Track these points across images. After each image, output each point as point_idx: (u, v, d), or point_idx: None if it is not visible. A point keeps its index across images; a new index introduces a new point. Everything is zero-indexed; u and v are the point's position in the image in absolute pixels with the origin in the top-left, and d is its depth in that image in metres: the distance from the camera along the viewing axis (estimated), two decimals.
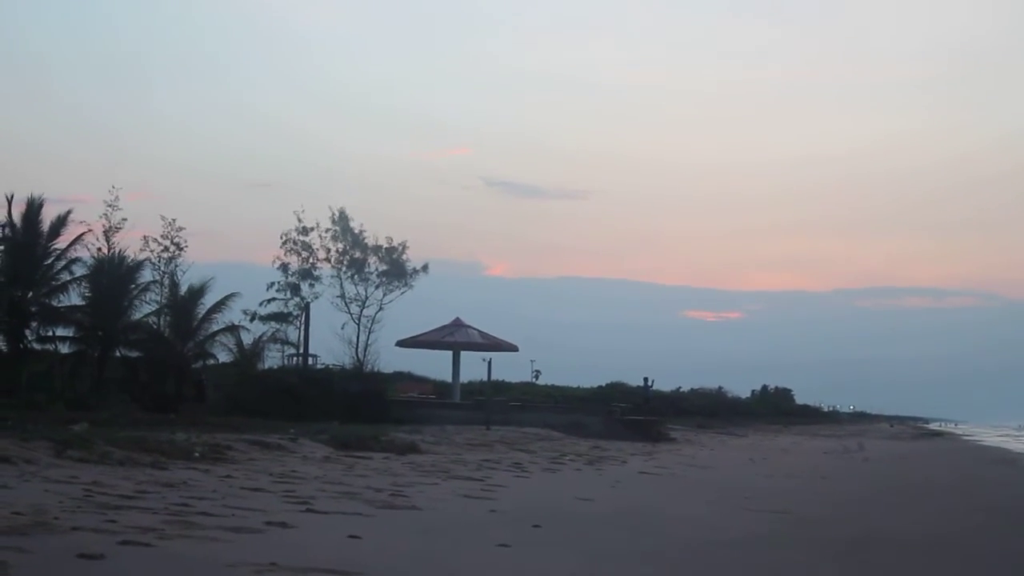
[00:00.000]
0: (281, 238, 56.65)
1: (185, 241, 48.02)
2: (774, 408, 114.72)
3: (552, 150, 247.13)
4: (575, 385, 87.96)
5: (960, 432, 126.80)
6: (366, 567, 10.67)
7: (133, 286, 44.05)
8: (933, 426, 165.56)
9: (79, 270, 42.39)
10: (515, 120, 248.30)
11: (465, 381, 60.52)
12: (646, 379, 66.10)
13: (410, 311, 59.94)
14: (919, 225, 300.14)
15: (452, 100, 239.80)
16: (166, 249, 47.41)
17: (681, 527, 15.95)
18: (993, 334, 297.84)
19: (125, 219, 44.69)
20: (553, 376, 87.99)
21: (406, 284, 58.47)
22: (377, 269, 58.00)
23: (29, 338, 41.53)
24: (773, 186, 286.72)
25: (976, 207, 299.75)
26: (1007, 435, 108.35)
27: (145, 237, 46.88)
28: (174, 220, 48.10)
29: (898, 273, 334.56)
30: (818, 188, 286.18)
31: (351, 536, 12.85)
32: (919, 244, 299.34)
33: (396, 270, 58.12)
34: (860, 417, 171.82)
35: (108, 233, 43.90)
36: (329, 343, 56.07)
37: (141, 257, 45.47)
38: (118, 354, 43.95)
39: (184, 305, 45.75)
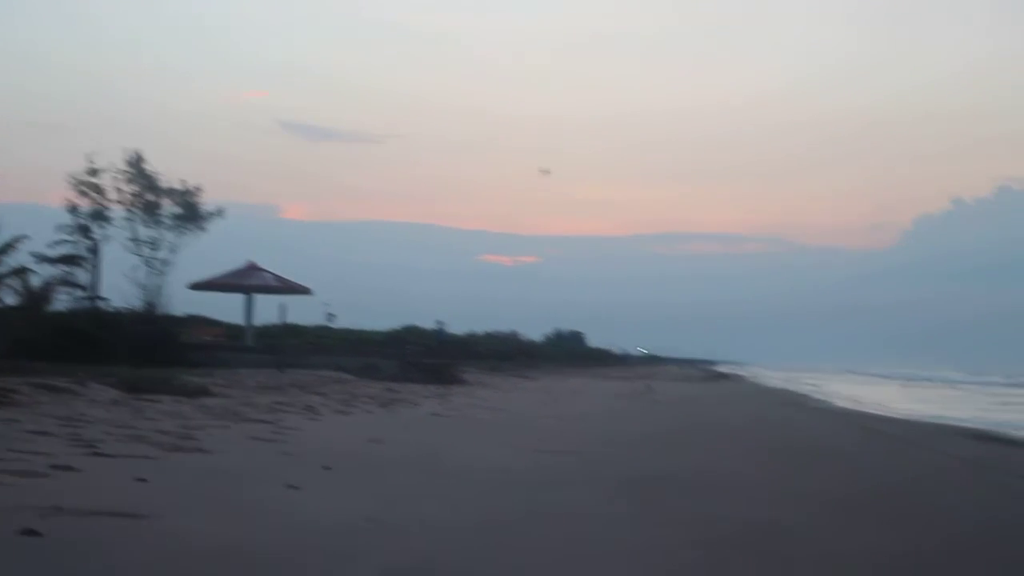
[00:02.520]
0: (71, 179, 55.38)
1: None
2: (567, 351, 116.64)
3: (350, 95, 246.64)
4: (371, 328, 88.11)
5: (746, 374, 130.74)
6: (151, 509, 10.66)
7: None
8: (721, 368, 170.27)
9: None
10: (313, 64, 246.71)
11: (259, 324, 60.17)
12: (439, 322, 66.55)
13: (205, 254, 59.27)
14: (712, 171, 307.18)
15: (250, 42, 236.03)
16: None
17: (472, 468, 16.22)
18: (777, 278, 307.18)
19: None
20: (349, 319, 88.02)
21: (200, 227, 57.83)
22: (171, 212, 57.18)
23: None
24: (577, 134, 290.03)
25: (765, 154, 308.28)
26: (790, 377, 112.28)
27: None
28: None
29: (691, 218, 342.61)
30: (620, 137, 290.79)
31: (138, 479, 12.80)
32: (711, 190, 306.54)
33: (190, 213, 57.35)
34: (651, 360, 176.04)
35: None
36: (120, 286, 54.81)
37: None
38: None
39: None
